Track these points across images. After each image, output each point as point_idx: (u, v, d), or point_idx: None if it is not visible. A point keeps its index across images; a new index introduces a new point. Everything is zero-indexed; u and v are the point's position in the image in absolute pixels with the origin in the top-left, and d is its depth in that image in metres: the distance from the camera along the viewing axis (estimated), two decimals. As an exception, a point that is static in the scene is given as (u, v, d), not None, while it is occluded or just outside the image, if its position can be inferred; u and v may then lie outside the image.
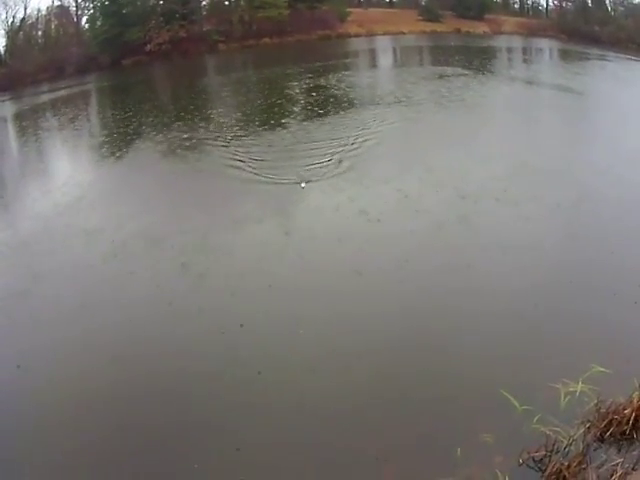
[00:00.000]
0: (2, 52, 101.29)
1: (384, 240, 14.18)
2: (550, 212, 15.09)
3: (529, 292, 11.51)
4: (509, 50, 56.27)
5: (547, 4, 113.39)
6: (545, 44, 61.34)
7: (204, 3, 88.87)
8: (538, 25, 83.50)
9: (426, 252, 13.53)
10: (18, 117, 43.06)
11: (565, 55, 53.33)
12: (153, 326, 11.73)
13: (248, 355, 10.37)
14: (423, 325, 10.89)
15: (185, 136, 25.32)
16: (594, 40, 66.00)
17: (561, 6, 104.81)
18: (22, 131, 35.89)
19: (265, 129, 25.30)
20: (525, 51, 56.07)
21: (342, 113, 26.28)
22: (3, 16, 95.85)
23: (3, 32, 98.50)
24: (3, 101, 61.99)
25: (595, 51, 54.61)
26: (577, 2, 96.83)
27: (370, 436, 8.32)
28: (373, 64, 49.08)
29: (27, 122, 38.91)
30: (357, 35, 77.08)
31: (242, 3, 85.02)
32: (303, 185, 17.40)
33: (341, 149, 20.80)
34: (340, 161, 19.65)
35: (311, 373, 9.82)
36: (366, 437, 8.31)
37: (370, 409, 8.87)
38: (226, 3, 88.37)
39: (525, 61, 48.23)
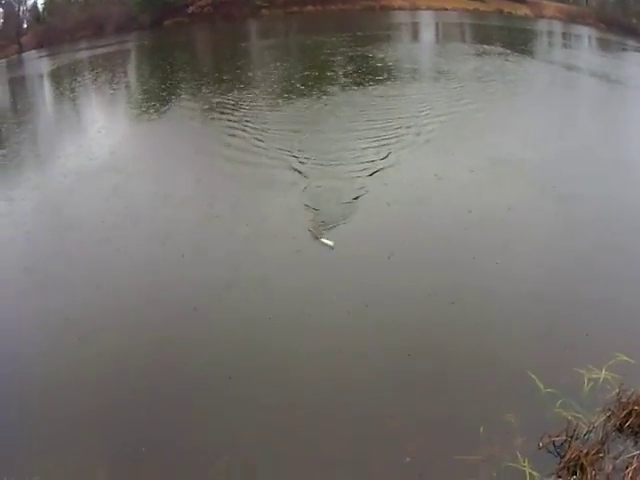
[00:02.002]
0: (41, 9, 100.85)
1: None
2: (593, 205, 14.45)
3: (562, 275, 11.19)
4: (549, 34, 55.17)
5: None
6: (584, 31, 60.05)
7: None
8: (578, 12, 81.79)
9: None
10: (55, 74, 42.92)
11: (603, 44, 52.07)
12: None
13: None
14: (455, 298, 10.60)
15: (222, 99, 24.79)
16: (632, 32, 64.70)
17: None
18: (58, 87, 35.73)
19: (304, 96, 24.60)
20: (565, 36, 54.88)
21: (384, 84, 25.53)
22: None
23: None
24: (40, 57, 62.15)
25: (632, 43, 53.21)
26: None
27: (393, 411, 8.11)
28: (415, 38, 48.17)
29: (64, 79, 38.57)
30: (400, 8, 75.86)
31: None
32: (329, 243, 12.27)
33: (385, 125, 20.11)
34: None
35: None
36: (389, 411, 8.09)
37: (394, 383, 8.65)
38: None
39: (564, 46, 47.14)
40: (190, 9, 76.33)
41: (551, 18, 75.25)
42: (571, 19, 72.72)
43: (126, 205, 15.15)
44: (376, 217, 13.58)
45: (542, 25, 58.63)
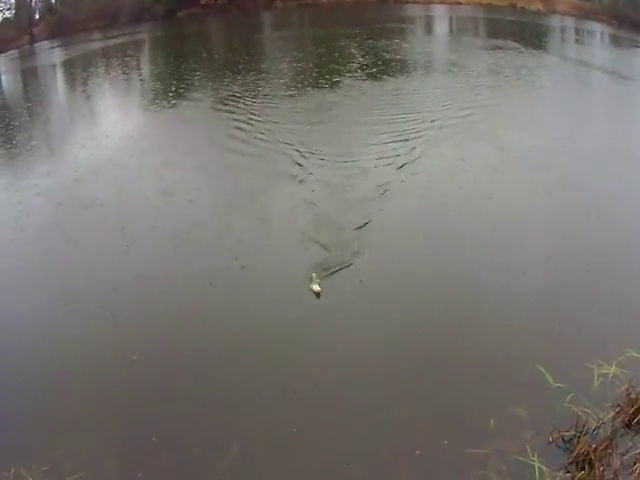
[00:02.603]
0: (53, 0, 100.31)
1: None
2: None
3: (576, 270, 11.12)
4: (562, 29, 54.79)
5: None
6: (596, 28, 59.46)
7: None
8: (590, 8, 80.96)
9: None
10: (68, 64, 42.53)
11: (615, 41, 51.68)
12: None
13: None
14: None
15: (234, 91, 24.58)
16: None
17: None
18: (71, 77, 35.70)
19: (318, 88, 24.43)
20: (577, 32, 54.47)
21: (398, 77, 25.35)
22: None
23: None
24: (53, 48, 61.45)
25: None
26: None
27: (404, 402, 8.10)
28: (429, 31, 47.85)
29: (76, 69, 38.37)
30: (414, 1, 75.22)
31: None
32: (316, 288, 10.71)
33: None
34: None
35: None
36: (400, 403, 8.09)
37: (406, 375, 8.66)
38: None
39: (577, 42, 46.81)
40: (204, 0, 75.90)
41: (564, 14, 74.58)
42: (583, 15, 72.01)
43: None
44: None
45: (555, 20, 58.18)
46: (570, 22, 61.54)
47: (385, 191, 14.47)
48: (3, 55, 71.54)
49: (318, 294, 10.37)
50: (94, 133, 21.14)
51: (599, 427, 7.39)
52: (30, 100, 29.43)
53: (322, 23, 52.27)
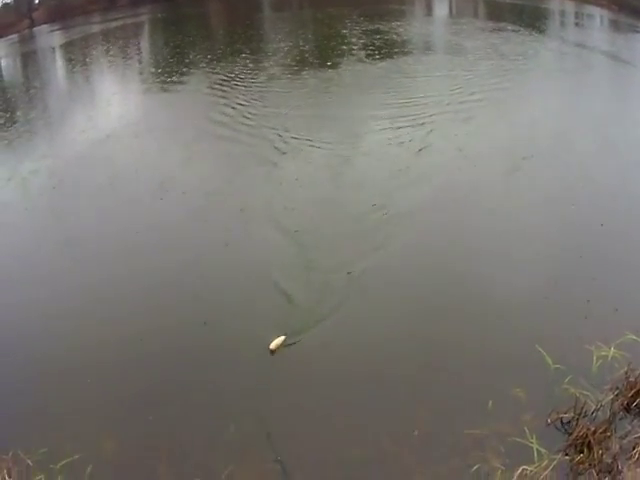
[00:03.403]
0: None
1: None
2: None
3: (576, 250, 11.03)
4: (561, 13, 54.21)
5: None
6: (596, 12, 58.92)
7: None
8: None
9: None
10: (67, 47, 42.19)
11: (615, 25, 51.11)
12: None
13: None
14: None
15: (236, 72, 24.14)
16: None
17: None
18: (70, 60, 35.14)
19: (321, 68, 24.06)
20: (577, 15, 53.94)
21: (399, 59, 24.96)
22: None
23: None
24: (52, 31, 60.49)
25: None
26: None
27: (402, 384, 8.05)
28: (429, 12, 47.22)
29: (75, 51, 37.83)
30: (415, -18, 74.72)
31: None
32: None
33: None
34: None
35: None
36: (398, 385, 8.05)
37: (404, 358, 8.54)
38: None
39: (577, 25, 46.41)
40: None
41: (564, -3, 74.13)
42: (583, -1, 71.61)
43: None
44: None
45: (554, 3, 57.40)
46: (570, 5, 60.86)
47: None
48: (3, 40, 71.22)
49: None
50: (91, 117, 20.95)
51: (598, 410, 7.29)
52: (29, 83, 29.20)
53: (322, 3, 51.45)
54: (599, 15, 56.31)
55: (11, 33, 76.86)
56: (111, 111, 20.95)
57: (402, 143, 16.14)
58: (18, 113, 22.30)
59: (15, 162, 17.13)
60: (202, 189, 14.22)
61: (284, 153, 15.95)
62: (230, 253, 11.33)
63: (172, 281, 10.64)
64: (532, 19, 41.65)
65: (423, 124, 17.22)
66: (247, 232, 12.00)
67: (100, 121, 19.80)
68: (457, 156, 15.28)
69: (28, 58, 41.67)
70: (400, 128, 17.09)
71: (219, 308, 9.82)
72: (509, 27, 34.18)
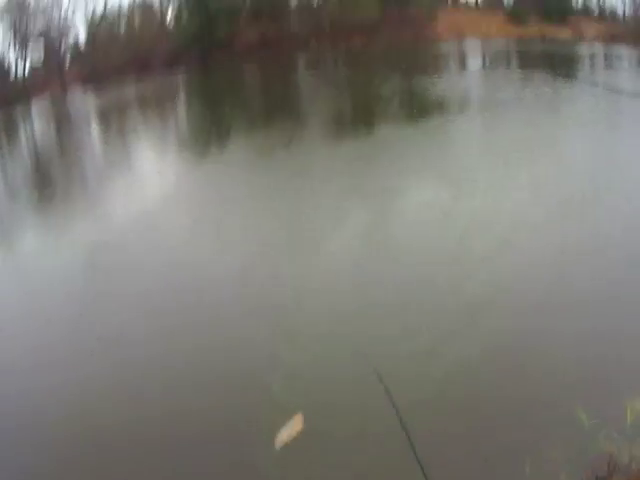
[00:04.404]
0: (84, 44, 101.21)
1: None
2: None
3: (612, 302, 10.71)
4: (591, 56, 54.36)
5: (624, 10, 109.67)
6: (624, 51, 58.85)
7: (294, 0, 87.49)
8: (617, 31, 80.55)
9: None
10: (101, 112, 42.89)
11: (642, 63, 51.34)
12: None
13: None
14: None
15: (276, 140, 23.74)
16: None
17: (635, 14, 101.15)
18: (106, 126, 35.84)
19: (357, 134, 24.13)
20: (606, 57, 54.01)
21: (435, 120, 24.87)
22: (82, 10, 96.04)
23: (83, 26, 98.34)
24: (85, 95, 63.31)
25: None
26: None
27: (438, 448, 7.70)
28: (462, 67, 47.95)
29: (111, 118, 38.43)
30: (446, 38, 75.47)
31: (332, 1, 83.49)
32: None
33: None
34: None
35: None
36: (434, 448, 7.61)
37: (439, 420, 8.26)
38: (316, 1, 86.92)
39: (606, 67, 46.39)
40: (237, 44, 76.09)
41: (591, 39, 74.09)
42: (611, 39, 71.49)
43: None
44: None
45: (584, 47, 57.73)
46: (598, 48, 61.00)
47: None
48: (36, 101, 73.27)
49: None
50: (129, 188, 20.62)
51: (630, 464, 7.13)
52: (64, 150, 29.67)
53: (357, 64, 52.03)
54: (627, 54, 56.38)
55: (43, 94, 79.21)
56: (151, 186, 20.57)
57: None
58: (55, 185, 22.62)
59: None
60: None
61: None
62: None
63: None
64: (563, 66, 42.49)
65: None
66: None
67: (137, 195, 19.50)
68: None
69: (62, 123, 42.17)
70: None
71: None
72: (542, 77, 34.47)
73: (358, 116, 26.56)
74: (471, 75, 41.30)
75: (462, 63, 50.98)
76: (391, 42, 69.75)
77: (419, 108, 26.46)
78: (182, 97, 45.43)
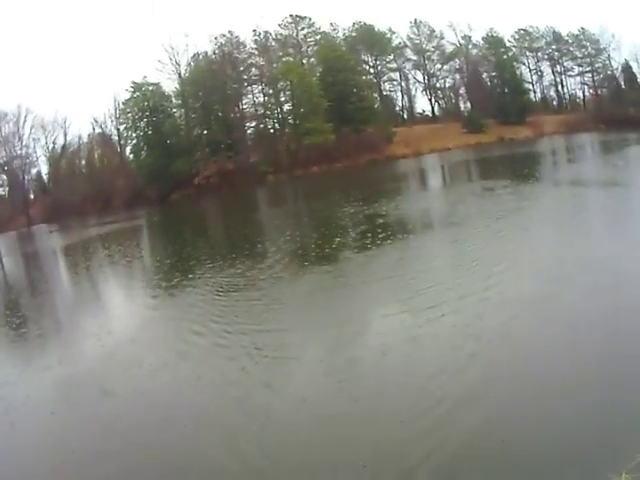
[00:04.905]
0: (46, 180, 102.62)
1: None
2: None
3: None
4: (552, 152, 54.64)
5: (584, 95, 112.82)
6: (586, 139, 59.63)
7: (249, 132, 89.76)
8: (577, 120, 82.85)
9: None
10: (68, 250, 43.66)
11: (606, 146, 51.83)
12: None
13: None
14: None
15: (238, 275, 22.27)
16: (631, 124, 65.43)
17: (597, 94, 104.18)
18: (73, 264, 35.87)
19: (321, 265, 22.62)
20: (567, 150, 54.24)
21: (399, 244, 23.43)
22: (43, 141, 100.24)
23: (44, 158, 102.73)
24: (51, 232, 64.20)
25: (633, 135, 55.01)
26: (611, 86, 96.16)
27: None
28: (422, 186, 47.52)
29: (77, 256, 38.86)
30: (404, 156, 77.00)
31: (287, 131, 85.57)
32: None
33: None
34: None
35: None
36: None
37: None
38: (271, 131, 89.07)
39: (569, 161, 46.31)
40: (196, 180, 78.01)
41: (552, 134, 75.21)
42: (571, 129, 72.86)
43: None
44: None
45: (544, 144, 58.25)
46: (559, 141, 61.61)
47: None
48: (2, 235, 74.39)
49: None
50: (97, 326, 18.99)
51: None
52: (34, 287, 29.45)
53: (315, 194, 52.04)
54: (589, 142, 56.70)
55: (9, 230, 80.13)
56: (120, 323, 19.22)
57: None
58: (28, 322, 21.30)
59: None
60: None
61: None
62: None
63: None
64: (524, 168, 42.52)
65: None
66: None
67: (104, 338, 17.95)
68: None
69: (30, 259, 42.91)
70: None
71: None
72: (502, 184, 33.88)
73: (318, 247, 25.11)
74: (431, 193, 40.42)
75: (422, 181, 50.53)
76: (348, 166, 70.52)
77: (379, 232, 25.05)
78: (144, 238, 44.79)
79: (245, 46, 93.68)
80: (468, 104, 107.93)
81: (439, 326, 12.63)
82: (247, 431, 9.75)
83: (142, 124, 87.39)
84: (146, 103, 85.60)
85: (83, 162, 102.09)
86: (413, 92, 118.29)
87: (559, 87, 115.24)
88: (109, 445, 10.21)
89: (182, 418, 10.69)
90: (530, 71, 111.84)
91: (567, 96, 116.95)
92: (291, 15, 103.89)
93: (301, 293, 18.26)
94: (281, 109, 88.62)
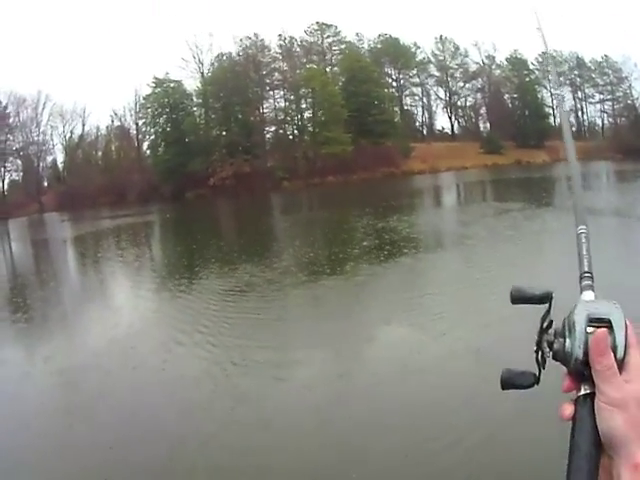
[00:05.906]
0: (61, 168, 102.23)
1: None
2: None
3: None
4: (568, 179, 54.66)
5: (602, 123, 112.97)
6: (602, 167, 59.71)
7: (268, 136, 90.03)
8: (595, 148, 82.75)
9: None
10: (79, 240, 43.39)
11: (621, 176, 51.85)
12: None
13: None
14: None
15: (247, 279, 22.28)
16: None
17: (616, 122, 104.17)
18: (82, 257, 35.79)
19: (330, 277, 22.98)
20: (583, 177, 54.34)
21: (408, 260, 23.77)
22: (60, 129, 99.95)
23: (61, 147, 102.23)
24: (63, 221, 63.71)
25: None
26: (630, 116, 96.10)
27: None
28: (437, 203, 47.94)
29: (87, 248, 38.68)
30: (421, 172, 77.07)
31: (306, 138, 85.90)
32: None
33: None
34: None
35: None
36: None
37: None
38: (290, 137, 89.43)
39: (584, 188, 46.24)
40: (212, 181, 77.56)
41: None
42: (588, 157, 72.90)
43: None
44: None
45: (560, 170, 58.25)
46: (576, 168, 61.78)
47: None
48: (13, 220, 73.55)
49: None
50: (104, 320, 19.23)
51: None
52: (41, 277, 29.25)
53: (331, 203, 52.20)
54: (605, 171, 56.94)
55: (21, 215, 79.99)
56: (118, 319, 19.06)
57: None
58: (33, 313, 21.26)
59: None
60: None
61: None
62: None
63: None
64: (539, 192, 42.56)
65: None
66: None
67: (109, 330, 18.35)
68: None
69: (40, 248, 42.54)
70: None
71: None
72: (516, 207, 34.20)
73: (331, 258, 25.60)
74: (444, 212, 40.84)
75: (437, 199, 50.93)
76: (365, 179, 70.68)
77: (391, 248, 25.55)
78: (156, 236, 44.75)
79: (269, 50, 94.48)
80: (487, 124, 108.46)
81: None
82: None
83: (161, 120, 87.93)
84: (167, 100, 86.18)
85: (99, 154, 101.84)
86: (434, 108, 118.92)
87: (579, 113, 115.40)
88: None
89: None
90: (551, 95, 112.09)
91: (586, 123, 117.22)
92: (317, 22, 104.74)
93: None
94: (301, 116, 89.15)
